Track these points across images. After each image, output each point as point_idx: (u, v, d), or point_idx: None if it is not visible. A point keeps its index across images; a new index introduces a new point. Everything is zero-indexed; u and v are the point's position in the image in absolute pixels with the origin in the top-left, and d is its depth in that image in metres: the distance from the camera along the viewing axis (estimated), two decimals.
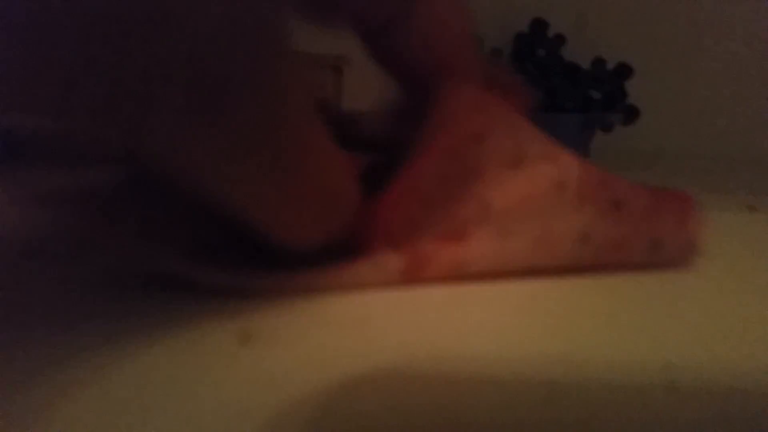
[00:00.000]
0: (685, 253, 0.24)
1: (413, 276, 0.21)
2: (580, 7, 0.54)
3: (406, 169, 0.20)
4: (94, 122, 0.11)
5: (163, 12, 0.09)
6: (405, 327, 0.21)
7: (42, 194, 0.30)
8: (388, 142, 0.23)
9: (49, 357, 0.18)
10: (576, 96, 0.47)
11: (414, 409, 0.16)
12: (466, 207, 0.21)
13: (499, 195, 0.21)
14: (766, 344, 0.19)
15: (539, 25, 0.49)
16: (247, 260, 0.20)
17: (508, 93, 0.21)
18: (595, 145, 0.51)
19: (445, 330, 0.22)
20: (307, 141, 0.14)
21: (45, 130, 0.36)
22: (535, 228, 0.21)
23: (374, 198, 0.20)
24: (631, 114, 0.49)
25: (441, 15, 0.19)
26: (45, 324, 0.20)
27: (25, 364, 0.17)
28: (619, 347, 0.19)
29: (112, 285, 0.23)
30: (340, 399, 0.17)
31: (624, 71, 0.48)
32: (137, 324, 0.20)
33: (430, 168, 0.20)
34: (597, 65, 0.48)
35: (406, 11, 0.19)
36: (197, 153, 0.12)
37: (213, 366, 0.18)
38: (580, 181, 0.21)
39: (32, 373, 0.17)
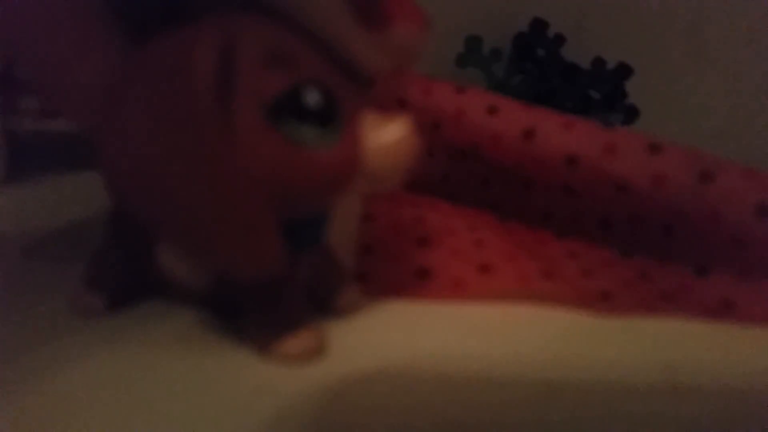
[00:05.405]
0: None
1: None
2: (580, 7, 0.54)
3: None
4: None
5: None
6: (405, 328, 0.21)
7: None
8: None
9: (50, 357, 0.18)
10: (576, 96, 0.47)
11: (413, 409, 0.16)
12: None
13: None
14: None
15: (539, 25, 0.49)
16: None
17: None
18: None
19: (445, 330, 0.22)
20: None
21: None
22: None
23: None
24: (631, 114, 0.49)
25: None
26: (45, 324, 0.20)
27: (26, 364, 0.17)
28: None
29: None
30: (339, 398, 0.17)
31: (624, 71, 0.48)
32: (137, 324, 0.20)
33: None
34: (597, 65, 0.48)
35: None
36: None
37: (214, 365, 0.18)
38: None
39: (33, 373, 0.17)
